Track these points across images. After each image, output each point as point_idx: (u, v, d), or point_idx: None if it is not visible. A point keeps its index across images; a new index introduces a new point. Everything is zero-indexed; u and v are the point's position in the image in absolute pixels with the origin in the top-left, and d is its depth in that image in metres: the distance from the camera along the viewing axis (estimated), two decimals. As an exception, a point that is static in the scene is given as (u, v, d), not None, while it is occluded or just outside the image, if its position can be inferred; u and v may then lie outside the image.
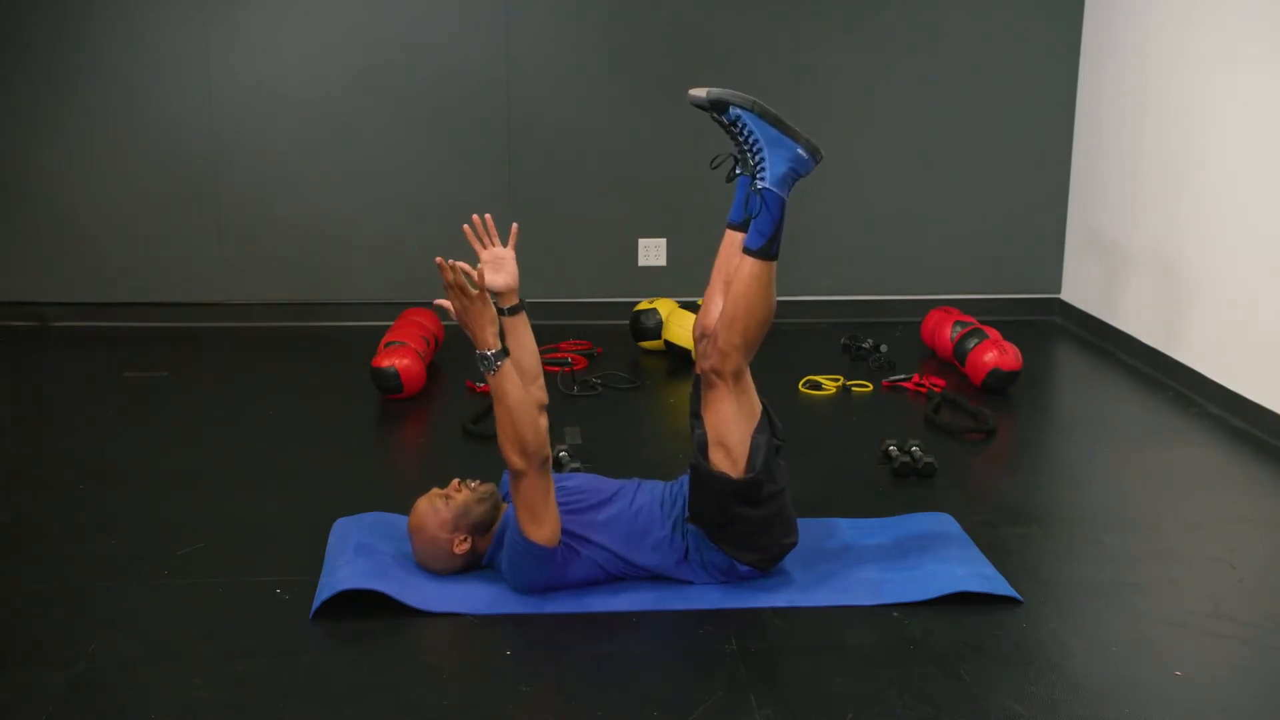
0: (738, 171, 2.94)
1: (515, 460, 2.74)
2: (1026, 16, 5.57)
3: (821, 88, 5.52)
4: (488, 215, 3.09)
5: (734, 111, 2.83)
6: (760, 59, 5.48)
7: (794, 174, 2.84)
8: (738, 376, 2.84)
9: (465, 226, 3.05)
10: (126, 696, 2.49)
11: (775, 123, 2.82)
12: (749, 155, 2.85)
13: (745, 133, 2.83)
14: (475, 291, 2.73)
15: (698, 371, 2.94)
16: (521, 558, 2.83)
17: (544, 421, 3.19)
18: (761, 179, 2.82)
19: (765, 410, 2.94)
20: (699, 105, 2.89)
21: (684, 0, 5.49)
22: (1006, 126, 5.68)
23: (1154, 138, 4.95)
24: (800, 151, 2.82)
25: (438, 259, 2.75)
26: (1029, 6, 5.57)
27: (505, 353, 2.76)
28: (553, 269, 5.67)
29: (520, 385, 2.76)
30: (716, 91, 2.83)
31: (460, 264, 2.76)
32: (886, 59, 5.59)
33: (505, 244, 3.06)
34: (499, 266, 3.05)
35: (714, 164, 3.02)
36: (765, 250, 2.82)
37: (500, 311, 3.09)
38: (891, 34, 5.57)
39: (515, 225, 3.10)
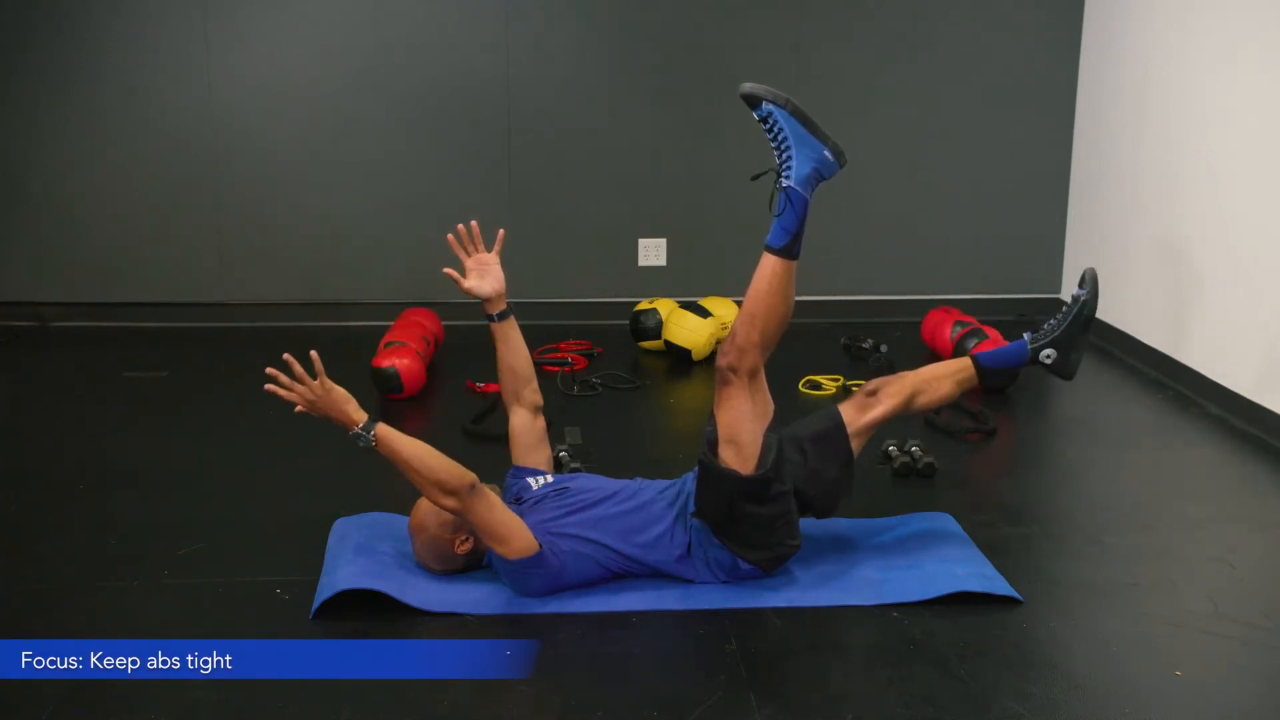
0: None
1: (447, 501, 2.71)
2: (1026, 16, 5.57)
3: (822, 87, 5.51)
4: (473, 222, 3.09)
5: (765, 107, 2.83)
6: (760, 59, 5.48)
7: (818, 175, 2.84)
8: (753, 374, 2.84)
9: (449, 236, 3.06)
10: (126, 696, 2.49)
11: (805, 122, 2.82)
12: (776, 153, 2.85)
13: (774, 129, 2.83)
14: (315, 380, 2.65)
15: (718, 365, 2.92)
16: (514, 573, 2.84)
17: (541, 422, 3.21)
18: (787, 178, 2.82)
19: (839, 434, 2.97)
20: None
21: (684, 1, 5.50)
22: (1006, 126, 5.67)
23: (1154, 137, 4.95)
24: (826, 153, 2.83)
25: (267, 386, 2.64)
26: (1029, 6, 5.57)
27: (375, 418, 2.68)
28: (553, 269, 5.67)
29: (405, 437, 2.70)
30: (749, 86, 2.83)
31: (287, 359, 2.66)
32: (887, 59, 5.58)
33: (491, 249, 3.06)
34: (484, 273, 3.06)
35: None
36: (788, 249, 2.83)
37: (489, 318, 3.10)
38: (892, 34, 5.57)
39: (501, 231, 3.10)
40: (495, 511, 2.76)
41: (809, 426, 3.05)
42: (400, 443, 2.68)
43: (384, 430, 2.67)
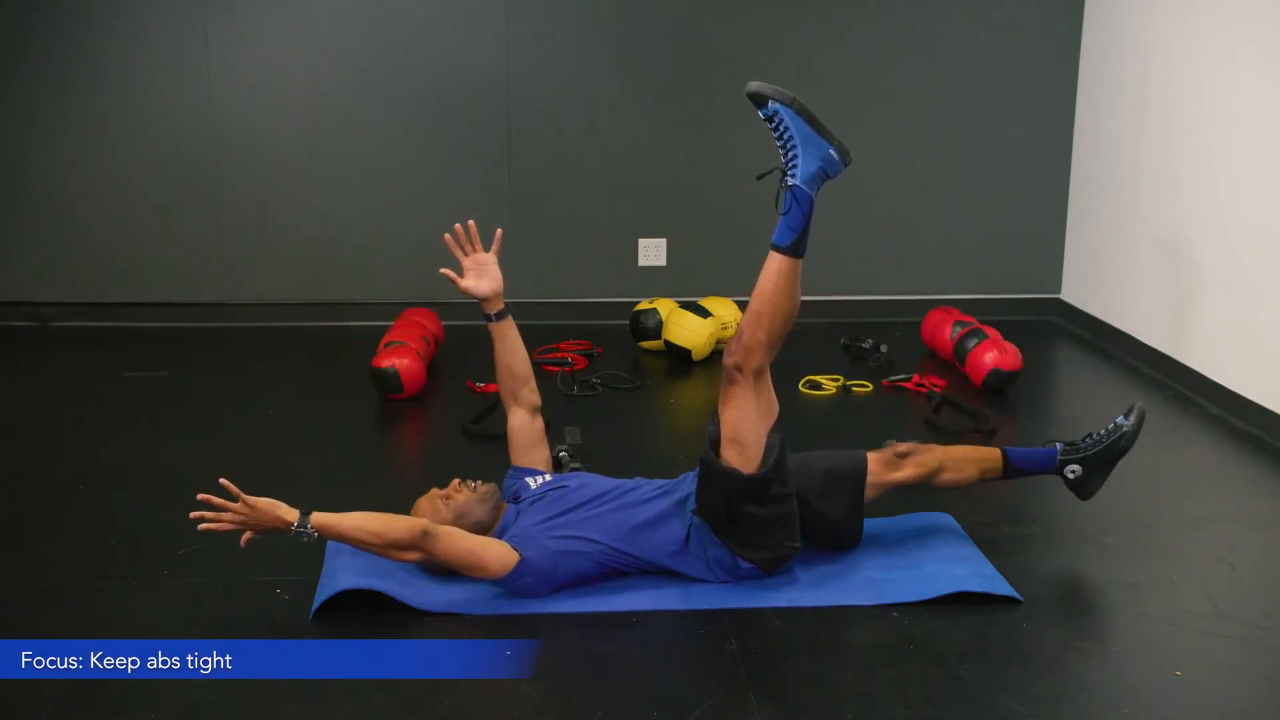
0: None
1: (408, 556, 2.74)
2: (1026, 16, 5.57)
3: (822, 87, 5.51)
4: (470, 222, 3.09)
5: (771, 106, 2.83)
6: (760, 59, 5.48)
7: (823, 174, 2.84)
8: (759, 374, 2.84)
9: (446, 236, 3.06)
10: (126, 696, 2.49)
11: (811, 121, 2.82)
12: (781, 151, 2.85)
13: (780, 128, 2.83)
14: (237, 503, 2.68)
15: (724, 364, 2.92)
16: (505, 586, 2.84)
17: (539, 422, 3.23)
18: (793, 176, 2.82)
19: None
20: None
21: (684, 1, 5.50)
22: (1007, 126, 5.67)
23: (1154, 137, 4.95)
24: (832, 152, 2.83)
25: (200, 526, 2.67)
26: (1029, 6, 5.57)
27: (308, 511, 2.70)
28: (553, 269, 5.67)
29: (342, 516, 2.72)
30: (756, 85, 2.83)
31: (204, 499, 2.68)
32: (887, 58, 5.58)
33: (488, 249, 3.07)
34: (482, 272, 3.07)
35: None
36: (794, 247, 2.82)
37: (487, 317, 3.10)
38: (892, 34, 5.57)
39: (499, 231, 3.11)
40: (459, 543, 2.77)
41: (830, 459, 3.08)
42: (340, 523, 2.71)
43: (319, 518, 2.70)
